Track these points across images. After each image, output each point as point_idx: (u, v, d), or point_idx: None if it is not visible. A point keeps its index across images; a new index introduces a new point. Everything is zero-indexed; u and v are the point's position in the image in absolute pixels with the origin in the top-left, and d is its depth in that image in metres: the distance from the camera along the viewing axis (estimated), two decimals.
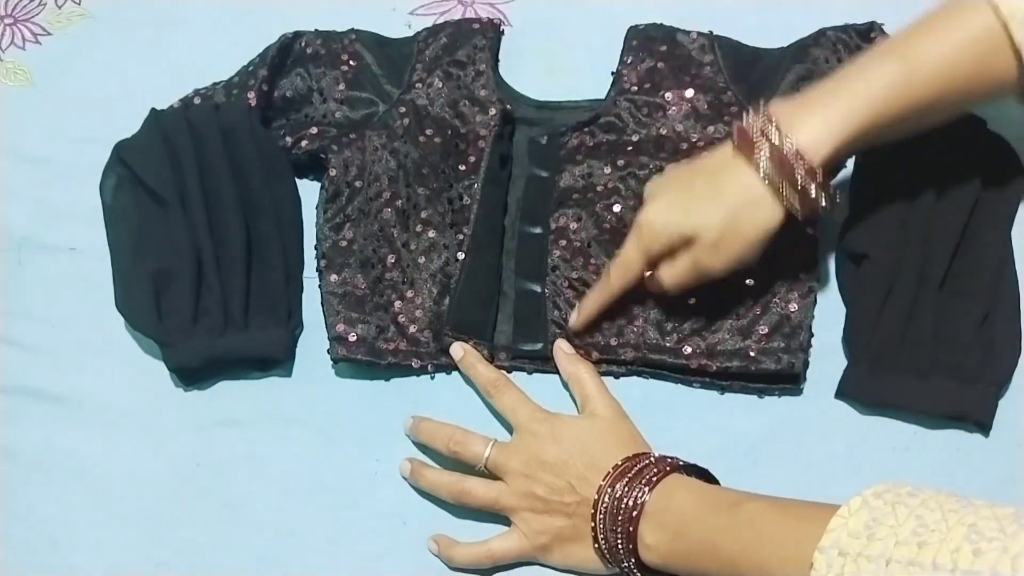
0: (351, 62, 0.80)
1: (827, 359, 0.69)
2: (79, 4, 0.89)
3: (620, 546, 0.59)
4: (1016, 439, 0.66)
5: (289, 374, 0.72)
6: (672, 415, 0.68)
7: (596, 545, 0.60)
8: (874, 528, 0.47)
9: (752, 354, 0.67)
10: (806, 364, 0.68)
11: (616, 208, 0.73)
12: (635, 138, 0.75)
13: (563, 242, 0.72)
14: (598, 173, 0.74)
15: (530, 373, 0.71)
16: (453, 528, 0.66)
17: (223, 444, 0.70)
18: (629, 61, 0.78)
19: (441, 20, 0.84)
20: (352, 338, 0.70)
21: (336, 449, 0.69)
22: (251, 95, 0.77)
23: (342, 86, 0.79)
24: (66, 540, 0.67)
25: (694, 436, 0.68)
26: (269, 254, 0.73)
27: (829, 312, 0.70)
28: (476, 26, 0.82)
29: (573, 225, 0.73)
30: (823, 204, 0.62)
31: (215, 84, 0.79)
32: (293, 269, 0.75)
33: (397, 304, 0.71)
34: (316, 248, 0.74)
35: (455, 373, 0.71)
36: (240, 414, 0.71)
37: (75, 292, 0.75)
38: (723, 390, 0.69)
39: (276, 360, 0.71)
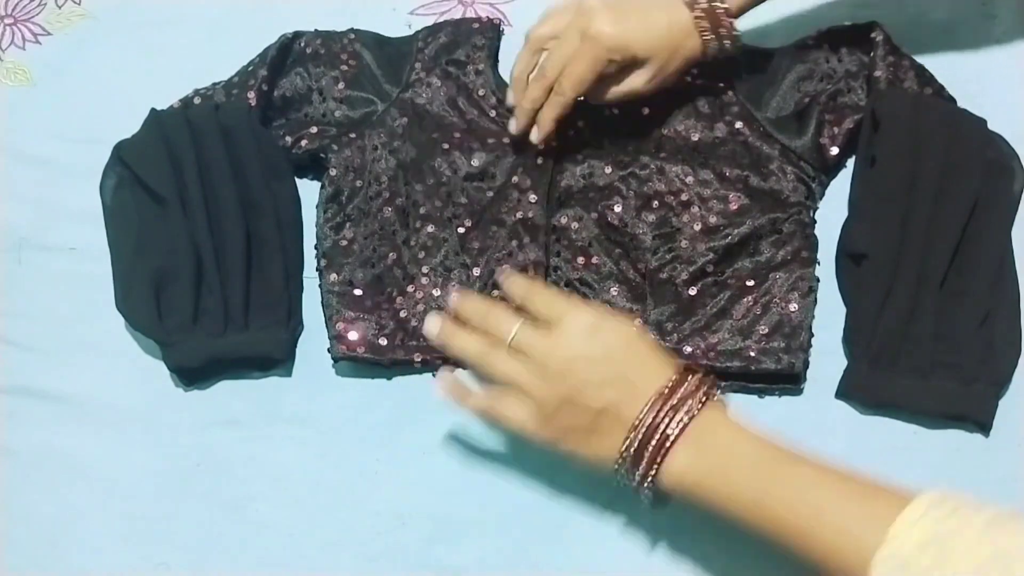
0: (350, 62, 0.80)
1: (827, 359, 0.69)
2: (79, 4, 0.89)
3: (644, 464, 0.55)
4: (1016, 439, 0.66)
5: (289, 374, 0.72)
6: None
7: (619, 458, 0.56)
8: (943, 544, 0.45)
9: (752, 354, 0.67)
10: (806, 364, 0.68)
11: (617, 208, 0.73)
12: (636, 138, 0.75)
13: (564, 242, 0.72)
14: (599, 173, 0.74)
15: None
16: (453, 528, 0.66)
17: (223, 444, 0.70)
18: None
19: (441, 20, 0.84)
20: (353, 336, 0.70)
21: (336, 449, 0.69)
22: (251, 95, 0.77)
23: (341, 85, 0.79)
24: (66, 540, 0.67)
25: None
26: (269, 254, 0.73)
27: (829, 312, 0.70)
28: (476, 25, 0.82)
29: (574, 225, 0.73)
30: (727, 45, 0.71)
31: (215, 84, 0.79)
32: (293, 269, 0.75)
33: (399, 300, 0.72)
34: (316, 248, 0.74)
35: (457, 371, 0.71)
36: (240, 414, 0.71)
37: (75, 292, 0.75)
38: (723, 390, 0.69)
39: (276, 360, 0.71)
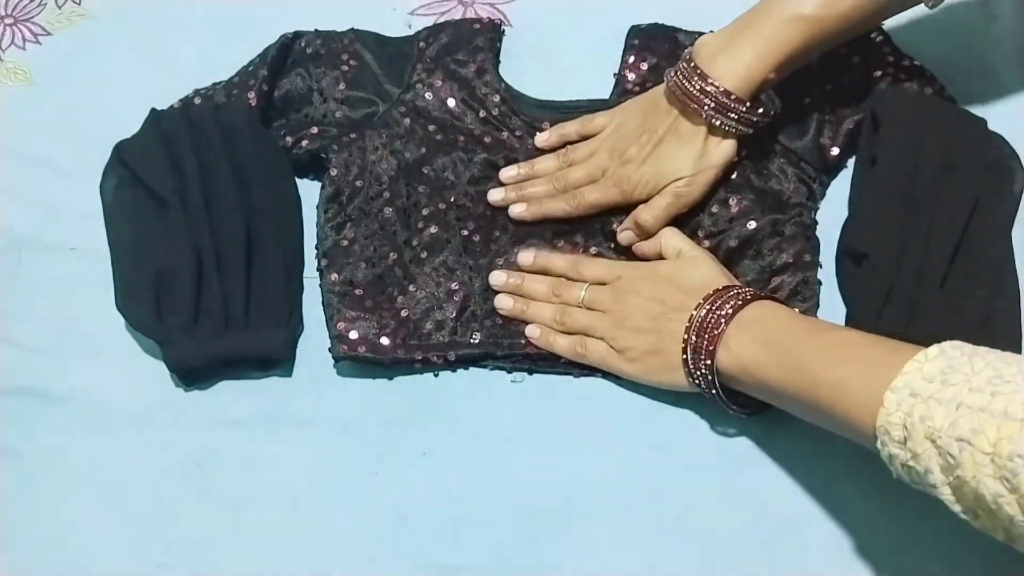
0: (351, 62, 0.80)
1: None
2: (79, 4, 0.89)
3: (703, 349, 0.62)
4: None
5: (289, 374, 0.72)
6: (672, 415, 0.68)
7: (683, 354, 0.63)
8: (949, 374, 0.49)
9: None
10: None
11: (618, 209, 0.73)
12: None
13: (566, 246, 0.72)
14: None
15: (530, 373, 0.71)
16: (454, 527, 0.66)
17: (223, 444, 0.70)
18: (631, 61, 0.79)
19: (441, 20, 0.84)
20: (354, 336, 0.70)
21: (337, 449, 0.69)
22: (251, 95, 0.77)
23: (342, 86, 0.79)
24: (67, 540, 0.67)
25: (694, 436, 0.68)
26: (269, 254, 0.73)
27: (829, 312, 0.70)
28: (476, 26, 0.82)
29: (575, 224, 0.73)
30: (755, 122, 0.69)
31: (215, 84, 0.79)
32: (293, 269, 0.75)
33: (400, 299, 0.72)
34: (317, 248, 0.74)
35: (459, 371, 0.71)
36: (240, 414, 0.71)
37: (75, 292, 0.75)
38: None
39: (276, 360, 0.71)
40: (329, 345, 0.71)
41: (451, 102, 0.78)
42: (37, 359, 0.73)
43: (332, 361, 0.71)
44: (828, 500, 0.65)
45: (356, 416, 0.70)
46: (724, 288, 0.64)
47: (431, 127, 0.77)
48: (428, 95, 0.78)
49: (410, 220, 0.74)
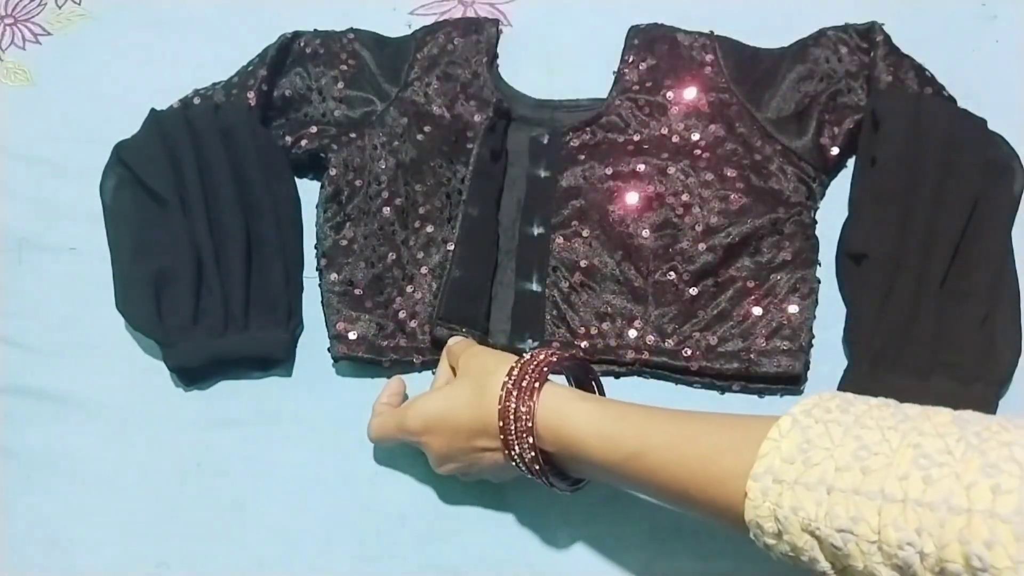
0: (350, 61, 0.80)
1: (827, 359, 0.69)
2: (79, 4, 0.89)
3: (537, 466, 0.57)
4: None
5: (289, 374, 0.72)
6: None
7: (518, 468, 0.58)
8: (809, 451, 0.44)
9: (752, 356, 0.67)
10: (807, 366, 0.68)
11: (618, 209, 0.73)
12: (636, 138, 0.75)
13: (564, 242, 0.72)
14: (599, 174, 0.74)
15: None
16: (454, 527, 0.66)
17: (223, 444, 0.70)
18: (630, 60, 0.79)
19: (441, 20, 0.84)
20: (352, 336, 0.70)
21: (336, 449, 0.69)
22: (251, 95, 0.77)
23: (341, 85, 0.79)
24: (66, 540, 0.67)
25: None
26: (269, 254, 0.73)
27: (829, 312, 0.70)
28: (474, 25, 0.82)
29: (574, 225, 0.73)
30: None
31: (215, 84, 0.79)
32: (293, 269, 0.75)
33: (397, 300, 0.72)
34: (316, 247, 0.74)
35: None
36: (240, 414, 0.71)
37: (75, 292, 0.75)
38: (723, 390, 0.69)
39: (276, 360, 0.71)
40: (328, 346, 0.71)
41: (448, 101, 0.78)
42: (37, 359, 0.73)
43: (332, 361, 0.71)
44: None
45: (356, 416, 0.70)
46: (501, 408, 0.57)
47: (428, 127, 0.77)
48: (426, 94, 0.78)
49: (407, 220, 0.74)
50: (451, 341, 0.67)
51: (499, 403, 0.57)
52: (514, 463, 0.58)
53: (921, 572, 0.40)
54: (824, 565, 0.44)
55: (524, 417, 0.56)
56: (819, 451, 0.44)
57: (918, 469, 0.41)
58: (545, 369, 0.58)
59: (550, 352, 0.59)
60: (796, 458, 0.45)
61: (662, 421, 0.54)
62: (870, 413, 0.45)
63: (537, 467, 0.57)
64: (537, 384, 0.57)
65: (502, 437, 0.57)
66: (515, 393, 0.57)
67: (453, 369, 0.65)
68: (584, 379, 0.62)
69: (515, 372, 0.57)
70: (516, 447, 0.57)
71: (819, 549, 0.44)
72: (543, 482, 0.58)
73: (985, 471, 0.39)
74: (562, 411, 0.56)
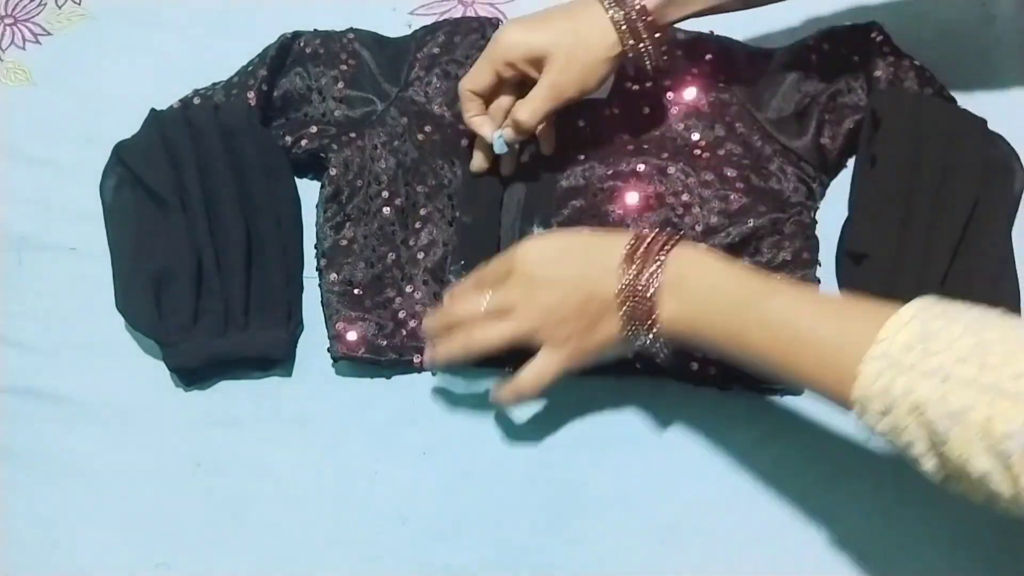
0: (350, 61, 0.80)
1: None
2: (79, 4, 0.89)
3: (646, 325, 0.57)
4: None
5: (289, 374, 0.72)
6: (672, 415, 0.68)
7: (627, 332, 0.58)
8: (928, 342, 0.47)
9: None
10: None
11: (618, 209, 0.73)
12: (636, 138, 0.75)
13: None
14: (600, 174, 0.74)
15: None
16: (453, 528, 0.66)
17: (223, 444, 0.70)
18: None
19: (441, 20, 0.84)
20: (352, 336, 0.70)
21: (336, 449, 0.69)
22: (251, 95, 0.77)
23: (341, 85, 0.79)
24: (66, 540, 0.67)
25: (694, 436, 0.68)
26: (269, 254, 0.73)
27: None
28: (474, 24, 0.82)
29: (574, 225, 0.73)
30: (652, 53, 0.67)
31: (215, 84, 0.79)
32: (293, 269, 0.75)
33: (397, 300, 0.72)
34: (316, 247, 0.74)
35: (458, 371, 0.71)
36: (240, 414, 0.71)
37: (75, 292, 0.75)
38: (723, 390, 0.69)
39: (276, 360, 0.71)
40: (328, 346, 0.71)
41: (449, 101, 0.78)
42: (37, 359, 0.73)
43: (332, 361, 0.71)
44: (827, 500, 0.65)
45: (356, 416, 0.70)
46: (630, 249, 0.58)
47: (428, 127, 0.77)
48: (426, 94, 0.78)
49: (408, 220, 0.74)
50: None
51: (629, 236, 0.58)
52: (627, 281, 0.57)
53: (1019, 463, 0.43)
54: (919, 449, 0.47)
55: (656, 242, 0.57)
56: (939, 342, 0.47)
57: None
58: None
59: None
60: (916, 346, 0.47)
61: (790, 283, 0.59)
62: (988, 315, 0.48)
63: (653, 287, 0.56)
64: (669, 245, 0.57)
65: (628, 249, 0.57)
66: (648, 238, 0.58)
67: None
68: None
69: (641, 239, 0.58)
70: (642, 261, 0.57)
71: (922, 431, 0.47)
72: (644, 331, 0.57)
73: None
74: (696, 252, 0.58)
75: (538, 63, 0.67)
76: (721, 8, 0.68)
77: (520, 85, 0.70)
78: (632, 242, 0.58)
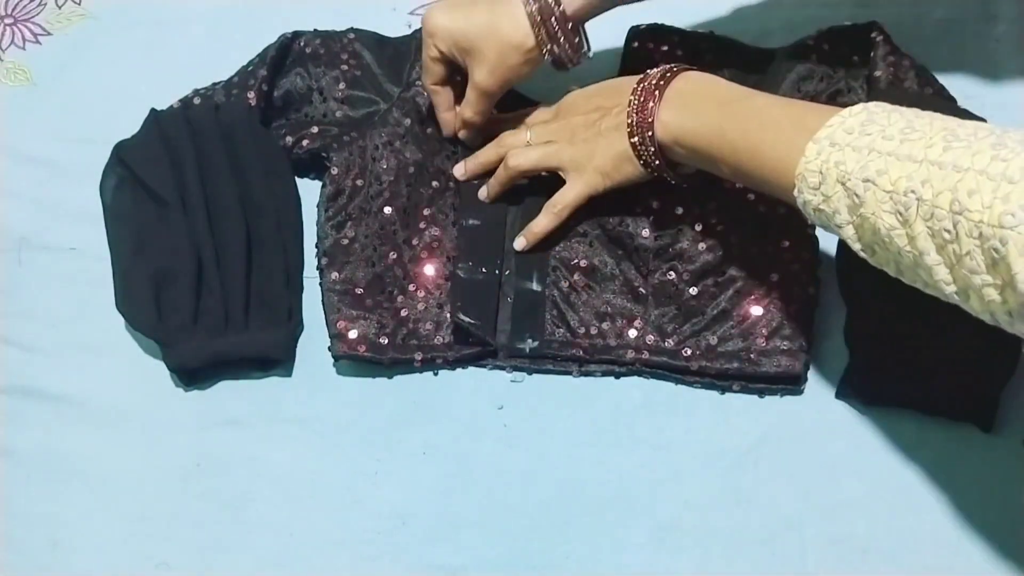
0: (351, 61, 0.80)
1: (827, 359, 0.69)
2: (79, 4, 0.89)
3: (643, 125, 0.64)
4: (1016, 439, 0.66)
5: (289, 374, 0.72)
6: (672, 415, 0.69)
7: (631, 139, 0.65)
8: (867, 126, 0.52)
9: (752, 356, 0.67)
10: (807, 365, 0.68)
11: (617, 209, 0.73)
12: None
13: (564, 242, 0.72)
14: None
15: (530, 373, 0.71)
16: (453, 528, 0.66)
17: (223, 444, 0.70)
18: (630, 61, 0.78)
19: None
20: (353, 335, 0.70)
21: (336, 449, 0.69)
22: (251, 95, 0.77)
23: (342, 85, 0.79)
24: (66, 540, 0.67)
25: (694, 436, 0.68)
26: (269, 254, 0.73)
27: (829, 312, 0.70)
28: None
29: (574, 225, 0.73)
30: (568, 50, 0.71)
31: (215, 84, 0.79)
32: (293, 269, 0.75)
33: (399, 299, 0.72)
34: (317, 247, 0.74)
35: (458, 369, 0.71)
36: (240, 414, 0.71)
37: (75, 292, 0.75)
38: (723, 390, 0.69)
39: (276, 360, 0.71)
40: (329, 344, 0.71)
41: None
42: (37, 359, 0.73)
43: (332, 361, 0.71)
44: (828, 500, 0.65)
45: (356, 416, 0.70)
46: (647, 73, 0.66)
47: (430, 127, 0.77)
48: (427, 94, 0.78)
49: (410, 220, 0.74)
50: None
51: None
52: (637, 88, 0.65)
53: (914, 218, 0.49)
54: (842, 217, 0.53)
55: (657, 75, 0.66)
56: (875, 126, 0.52)
57: (943, 141, 0.49)
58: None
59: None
60: (855, 129, 0.53)
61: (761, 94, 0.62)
62: (931, 114, 0.53)
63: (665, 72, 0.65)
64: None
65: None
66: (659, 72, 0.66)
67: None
68: None
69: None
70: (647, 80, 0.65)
71: (843, 199, 0.52)
72: (645, 144, 0.65)
73: (994, 147, 0.47)
74: (699, 73, 0.66)
75: (464, 52, 0.71)
76: None
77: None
78: (645, 76, 0.66)
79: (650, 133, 0.64)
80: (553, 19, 0.68)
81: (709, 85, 0.64)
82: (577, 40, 0.71)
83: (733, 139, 0.60)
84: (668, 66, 0.66)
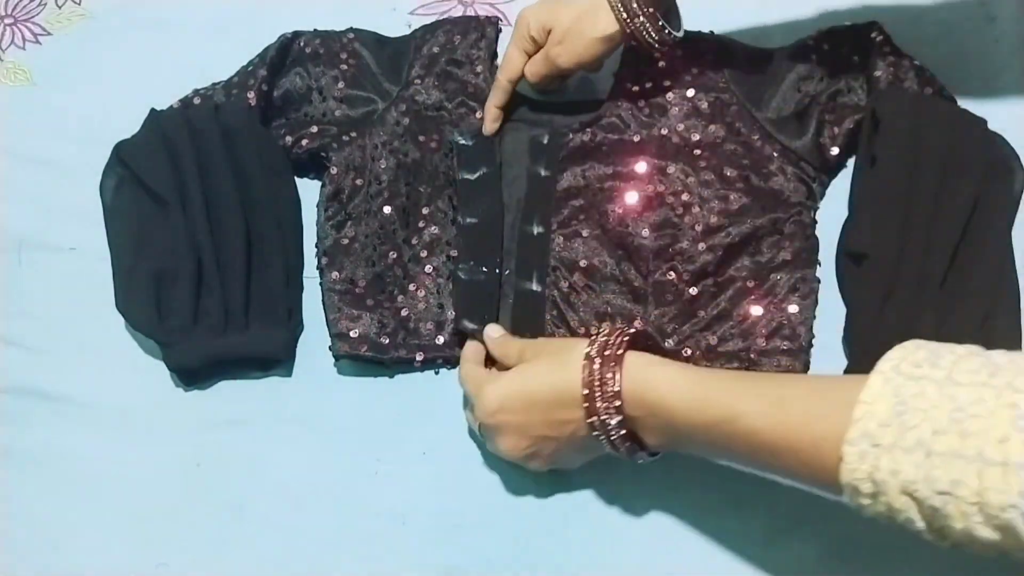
0: (350, 61, 0.80)
1: (827, 359, 0.69)
2: (79, 4, 0.89)
3: (627, 444, 0.58)
4: None
5: (289, 374, 0.72)
6: None
7: (610, 450, 0.59)
8: (904, 414, 0.45)
9: (752, 356, 0.67)
10: (806, 365, 0.68)
11: (618, 208, 0.73)
12: (636, 138, 0.75)
13: (564, 242, 0.72)
14: (600, 174, 0.74)
15: None
16: (454, 528, 0.66)
17: (223, 444, 0.70)
18: (630, 61, 0.79)
19: (441, 19, 0.84)
20: (354, 335, 0.70)
21: (337, 449, 0.69)
22: (251, 95, 0.77)
23: (341, 84, 0.79)
24: (66, 540, 0.67)
25: None
26: (269, 254, 0.73)
27: (829, 312, 0.70)
28: (474, 24, 0.82)
29: (574, 225, 0.73)
30: (649, 30, 0.71)
31: (215, 84, 0.79)
32: (293, 269, 0.75)
33: (399, 299, 0.72)
34: (317, 246, 0.74)
35: (459, 370, 0.71)
36: (240, 414, 0.71)
37: (75, 292, 0.75)
38: None
39: (276, 360, 0.72)
40: (329, 344, 0.71)
41: (449, 100, 0.78)
42: (37, 359, 0.73)
43: (332, 361, 0.71)
44: (827, 500, 0.65)
45: (356, 416, 0.70)
46: (590, 382, 0.57)
47: (429, 126, 0.77)
48: (426, 93, 0.78)
49: (409, 219, 0.74)
50: (491, 340, 0.67)
51: (582, 372, 0.57)
52: (596, 433, 0.58)
53: (1022, 530, 0.41)
54: (921, 525, 0.45)
55: (610, 382, 0.56)
56: (915, 413, 0.44)
57: (1017, 431, 0.41)
58: (626, 339, 0.58)
59: (627, 327, 0.60)
60: (892, 421, 0.45)
61: (750, 386, 0.54)
62: (959, 366, 0.45)
63: (624, 432, 0.57)
64: (620, 352, 0.57)
65: (586, 405, 0.57)
66: (599, 360, 0.57)
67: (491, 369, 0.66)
68: (660, 350, 0.61)
69: (596, 343, 0.58)
70: (602, 414, 0.57)
71: (917, 510, 0.45)
72: (624, 452, 0.58)
73: None
74: (648, 376, 0.56)
75: (547, 32, 0.74)
76: None
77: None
78: (589, 392, 0.57)
79: (616, 403, 0.56)
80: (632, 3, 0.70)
81: (671, 394, 0.55)
82: (653, 12, 0.71)
83: (737, 461, 0.54)
84: (603, 376, 0.56)
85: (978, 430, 0.42)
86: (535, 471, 0.64)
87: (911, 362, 0.47)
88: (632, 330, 0.59)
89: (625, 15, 0.71)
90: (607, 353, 0.57)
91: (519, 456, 0.62)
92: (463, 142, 0.76)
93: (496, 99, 0.76)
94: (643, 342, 0.60)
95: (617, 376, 0.56)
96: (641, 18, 0.71)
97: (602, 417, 0.57)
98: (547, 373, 0.60)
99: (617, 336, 0.58)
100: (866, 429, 0.46)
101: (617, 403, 0.56)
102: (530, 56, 0.75)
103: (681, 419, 0.55)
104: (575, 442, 0.60)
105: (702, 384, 0.55)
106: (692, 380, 0.55)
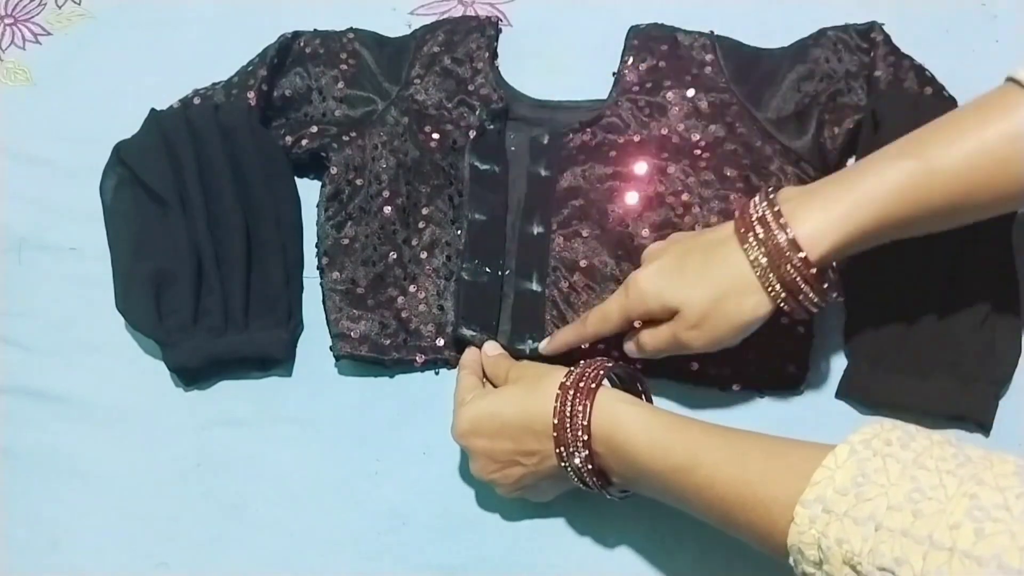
0: (350, 60, 0.80)
1: (827, 359, 0.69)
2: (79, 4, 0.89)
3: (595, 479, 0.58)
4: (1016, 439, 0.66)
5: (289, 374, 0.72)
6: None
7: (578, 483, 0.59)
8: (863, 486, 0.44)
9: (752, 357, 0.67)
10: (806, 365, 0.68)
11: (618, 209, 0.73)
12: (636, 138, 0.75)
13: (564, 242, 0.72)
14: (600, 174, 0.74)
15: None
16: (454, 528, 0.66)
17: (223, 444, 0.70)
18: (630, 61, 0.79)
19: (441, 19, 0.84)
20: (355, 335, 0.70)
21: (337, 449, 0.69)
22: (251, 95, 0.77)
23: (341, 84, 0.79)
24: (66, 540, 0.67)
25: None
26: (269, 254, 0.73)
27: (829, 312, 0.70)
28: (474, 23, 0.82)
29: (574, 225, 0.73)
30: (813, 300, 0.58)
31: (215, 84, 0.79)
32: (293, 269, 0.75)
33: (400, 300, 0.72)
34: (317, 246, 0.74)
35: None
36: (240, 414, 0.71)
37: (75, 292, 0.75)
38: (723, 390, 0.69)
39: (276, 360, 0.72)
40: (330, 344, 0.71)
41: (448, 100, 0.78)
42: (37, 359, 0.73)
43: (332, 361, 0.71)
44: None
45: (356, 416, 0.70)
46: (562, 425, 0.57)
47: (428, 126, 0.77)
48: (426, 93, 0.78)
49: (409, 219, 0.74)
50: (486, 357, 0.67)
51: (555, 402, 0.57)
52: (563, 464, 0.58)
53: None
54: None
55: (580, 415, 0.56)
56: (873, 487, 0.44)
57: (971, 520, 0.40)
58: (602, 373, 0.58)
59: (606, 360, 0.60)
60: (849, 490, 0.44)
61: (716, 437, 0.54)
62: (931, 452, 0.44)
63: (590, 467, 0.57)
64: (594, 385, 0.57)
65: (555, 435, 0.57)
66: (572, 392, 0.57)
67: (485, 382, 0.66)
68: (636, 390, 0.62)
69: (573, 374, 0.58)
70: (570, 447, 0.57)
71: None
72: (592, 485, 0.58)
73: None
74: (616, 414, 0.56)
75: (671, 313, 0.61)
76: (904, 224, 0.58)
77: None
78: (561, 433, 0.57)
79: (584, 438, 0.56)
80: (789, 266, 0.57)
81: (635, 436, 0.55)
82: (815, 274, 0.57)
83: (698, 511, 0.54)
84: (575, 412, 0.56)
85: (932, 512, 0.41)
86: (505, 495, 0.63)
87: (883, 440, 0.46)
88: (610, 364, 0.59)
89: (784, 293, 0.58)
90: (581, 385, 0.57)
91: (487, 479, 0.62)
92: (487, 124, 0.76)
93: (569, 337, 0.66)
94: (627, 379, 0.61)
95: (587, 409, 0.56)
96: (802, 295, 0.58)
97: (570, 449, 0.57)
98: (520, 399, 0.60)
99: (595, 369, 0.58)
100: (822, 494, 0.45)
101: (585, 437, 0.56)
102: (632, 322, 0.63)
103: (643, 461, 0.55)
104: (543, 472, 0.60)
105: (669, 429, 0.55)
106: (660, 424, 0.55)
